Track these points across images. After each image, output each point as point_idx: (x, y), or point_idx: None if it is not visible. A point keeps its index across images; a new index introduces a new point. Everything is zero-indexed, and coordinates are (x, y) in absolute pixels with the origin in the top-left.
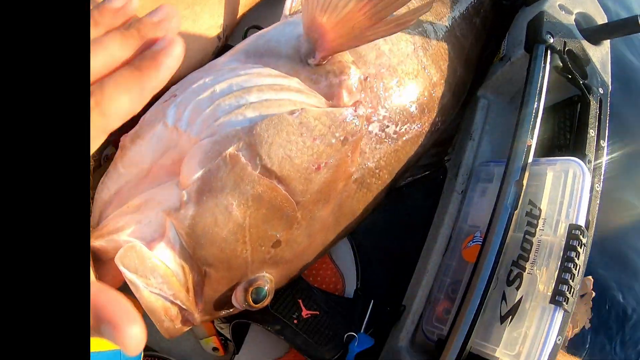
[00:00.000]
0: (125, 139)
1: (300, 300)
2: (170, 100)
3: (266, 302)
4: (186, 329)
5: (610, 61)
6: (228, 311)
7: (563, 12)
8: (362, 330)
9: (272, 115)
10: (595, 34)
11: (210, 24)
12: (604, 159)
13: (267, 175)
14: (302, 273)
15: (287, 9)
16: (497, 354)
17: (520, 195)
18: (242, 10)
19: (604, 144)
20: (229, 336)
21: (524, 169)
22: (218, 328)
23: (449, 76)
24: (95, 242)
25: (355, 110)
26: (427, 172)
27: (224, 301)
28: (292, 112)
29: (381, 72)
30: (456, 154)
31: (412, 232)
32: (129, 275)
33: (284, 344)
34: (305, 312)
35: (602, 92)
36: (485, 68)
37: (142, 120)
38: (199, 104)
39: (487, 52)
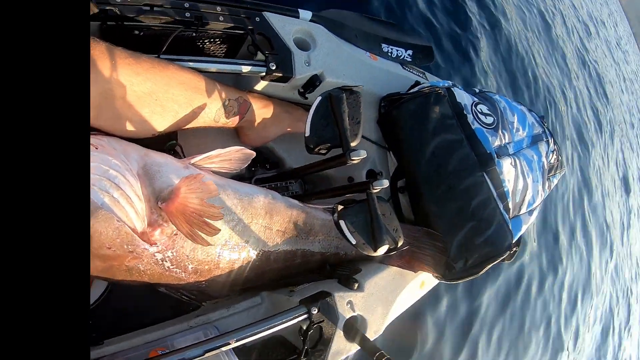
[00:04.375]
0: None
1: None
2: (93, 148)
3: None
4: None
5: (345, 355)
6: None
7: (347, 306)
8: None
9: (112, 211)
10: (352, 335)
11: (155, 127)
12: None
13: None
14: None
15: (191, 159)
16: None
17: (197, 357)
18: (183, 128)
19: None
20: None
21: (215, 348)
22: None
23: (235, 272)
24: None
25: (150, 247)
26: (182, 298)
27: None
28: (119, 219)
29: (185, 239)
30: (212, 306)
31: (147, 313)
32: None
33: None
34: None
35: None
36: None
37: None
38: (97, 168)
39: (288, 280)
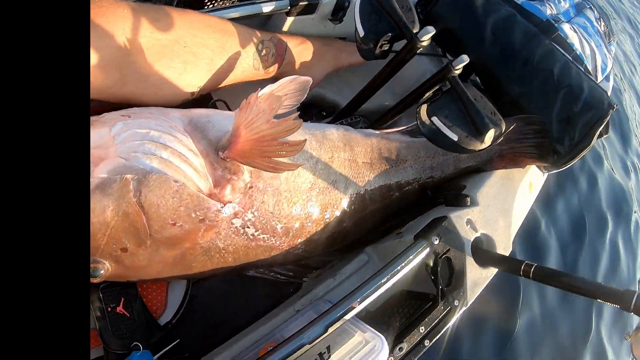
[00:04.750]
0: None
1: (123, 299)
2: (124, 117)
3: (96, 280)
4: None
5: (484, 285)
6: None
7: (468, 226)
8: (151, 351)
9: (165, 174)
10: (485, 258)
11: (191, 82)
12: (419, 354)
13: (139, 205)
14: (138, 284)
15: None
16: None
17: (320, 335)
18: (222, 84)
19: (427, 344)
20: None
21: (336, 320)
22: None
23: (332, 222)
24: None
25: (222, 207)
26: (278, 278)
27: None
28: (176, 181)
29: (266, 189)
30: (314, 281)
31: (241, 313)
32: None
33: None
34: (120, 308)
35: (456, 304)
36: (382, 235)
37: (104, 115)
38: (135, 134)
39: (390, 224)
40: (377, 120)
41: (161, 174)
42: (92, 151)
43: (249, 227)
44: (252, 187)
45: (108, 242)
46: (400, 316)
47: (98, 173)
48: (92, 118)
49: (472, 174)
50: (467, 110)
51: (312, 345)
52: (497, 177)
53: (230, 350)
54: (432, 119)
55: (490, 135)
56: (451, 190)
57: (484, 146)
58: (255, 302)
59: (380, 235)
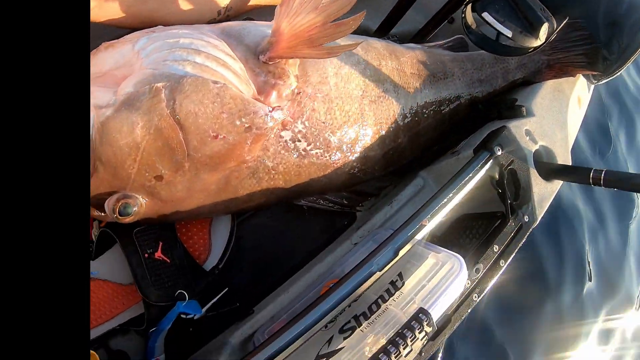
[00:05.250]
0: (103, 45)
1: (161, 243)
2: (148, 33)
3: (129, 219)
4: None
5: (551, 200)
6: (100, 213)
7: (527, 137)
8: (197, 300)
9: (195, 79)
10: (548, 170)
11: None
12: (496, 276)
13: (174, 117)
14: (176, 224)
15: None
16: None
17: (390, 260)
18: (250, 3)
19: (503, 264)
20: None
21: (407, 241)
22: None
23: (387, 137)
24: None
25: (271, 111)
26: (332, 207)
27: (99, 202)
28: (215, 82)
29: (316, 96)
30: (370, 212)
31: (294, 252)
32: None
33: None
34: (158, 254)
35: (526, 220)
36: (435, 156)
37: (124, 37)
38: (162, 45)
39: (444, 145)
40: (413, 39)
41: (197, 77)
42: (113, 72)
43: (299, 141)
44: (299, 92)
45: (140, 170)
46: (470, 237)
47: (123, 90)
48: (109, 42)
49: (521, 87)
50: (518, 5)
51: (382, 272)
52: (548, 89)
53: (287, 294)
54: (482, 14)
55: (544, 30)
56: (503, 103)
57: (538, 43)
58: (309, 239)
59: (433, 157)
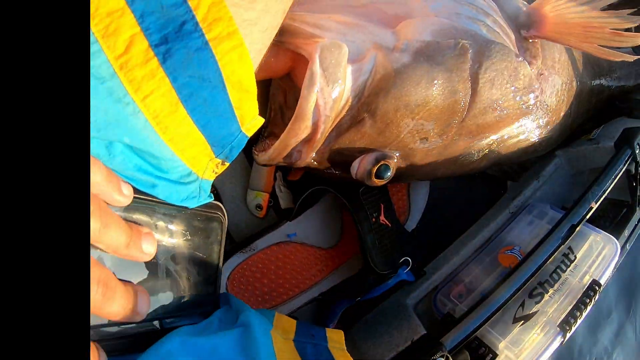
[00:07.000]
0: None
1: (382, 205)
2: None
3: (382, 182)
4: (281, 163)
5: None
6: (332, 170)
7: None
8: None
9: (503, 46)
10: None
11: None
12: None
13: (473, 80)
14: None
15: None
16: (500, 345)
17: (570, 236)
18: None
19: (628, 247)
20: (284, 204)
21: (582, 219)
22: (277, 189)
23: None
24: (292, 22)
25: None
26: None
27: (344, 158)
28: (517, 55)
29: (548, 79)
30: (520, 184)
31: (462, 216)
32: (316, 67)
33: (331, 239)
34: (382, 217)
35: None
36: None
37: None
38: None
39: (582, 128)
40: None
41: (503, 45)
42: (379, 6)
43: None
44: (542, 74)
45: (412, 130)
46: (603, 220)
47: (415, 35)
48: None
49: None
50: None
51: (563, 246)
52: None
53: (458, 257)
54: None
55: None
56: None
57: None
58: (474, 204)
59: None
